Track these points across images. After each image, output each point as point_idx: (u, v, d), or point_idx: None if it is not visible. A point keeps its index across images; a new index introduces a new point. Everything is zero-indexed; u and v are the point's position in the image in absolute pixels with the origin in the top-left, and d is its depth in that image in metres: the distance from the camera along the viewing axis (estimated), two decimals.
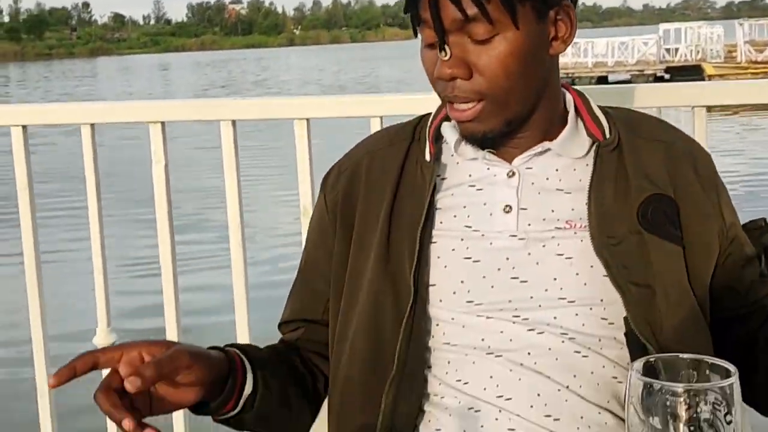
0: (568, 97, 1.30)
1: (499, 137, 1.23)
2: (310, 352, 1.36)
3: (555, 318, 1.19)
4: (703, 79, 24.09)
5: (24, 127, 2.08)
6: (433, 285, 1.23)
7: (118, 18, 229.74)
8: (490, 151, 1.26)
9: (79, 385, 1.09)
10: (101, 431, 2.09)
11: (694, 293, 1.22)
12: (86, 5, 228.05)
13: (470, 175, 1.27)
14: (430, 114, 1.34)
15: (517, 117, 1.22)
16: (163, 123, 2.01)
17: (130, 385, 1.03)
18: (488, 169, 1.26)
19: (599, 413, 1.19)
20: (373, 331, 1.24)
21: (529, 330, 1.19)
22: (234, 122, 1.98)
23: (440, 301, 1.23)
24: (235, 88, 38.80)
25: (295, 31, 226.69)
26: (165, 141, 2.03)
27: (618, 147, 1.26)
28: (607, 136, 1.26)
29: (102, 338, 2.11)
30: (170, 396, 1.13)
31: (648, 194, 1.23)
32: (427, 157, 1.29)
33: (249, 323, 1.99)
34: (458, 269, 1.22)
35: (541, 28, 1.20)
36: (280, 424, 1.32)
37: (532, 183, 1.25)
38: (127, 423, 1.02)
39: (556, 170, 1.25)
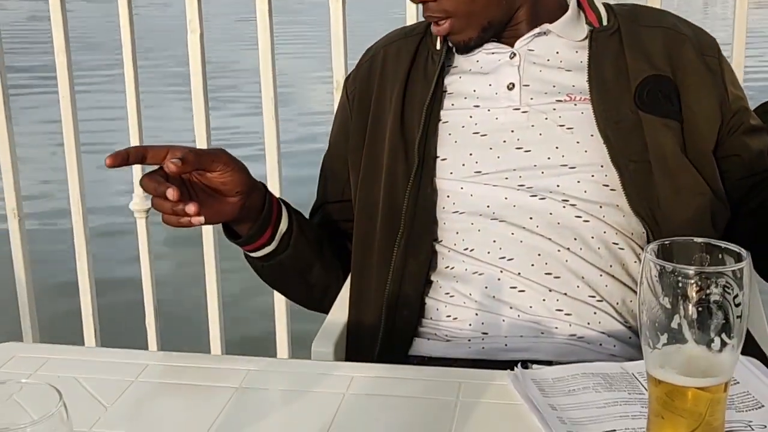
0: None
1: (483, 39, 1.34)
2: (337, 225, 1.46)
3: (558, 186, 1.28)
4: None
5: None
6: (444, 159, 1.33)
7: None
8: (493, 40, 1.36)
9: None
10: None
11: (695, 165, 1.28)
12: None
13: (477, 61, 1.37)
14: None
15: (493, 21, 1.33)
16: None
17: (171, 164, 1.11)
18: (492, 53, 1.36)
19: (600, 275, 1.26)
20: (388, 197, 1.34)
21: (532, 196, 1.28)
22: None
23: (450, 173, 1.32)
24: None
25: None
26: (201, 10, 2.03)
27: (617, 32, 1.34)
28: (604, 23, 1.35)
29: (138, 204, 2.16)
30: (211, 203, 1.20)
31: (645, 75, 1.30)
32: (438, 46, 1.39)
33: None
34: (467, 143, 1.33)
35: None
36: (316, 275, 1.42)
37: (534, 62, 1.34)
38: (171, 192, 1.09)
39: (557, 52, 1.35)
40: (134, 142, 2.10)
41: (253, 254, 1.34)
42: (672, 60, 1.32)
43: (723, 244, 0.75)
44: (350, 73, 1.49)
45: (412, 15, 1.90)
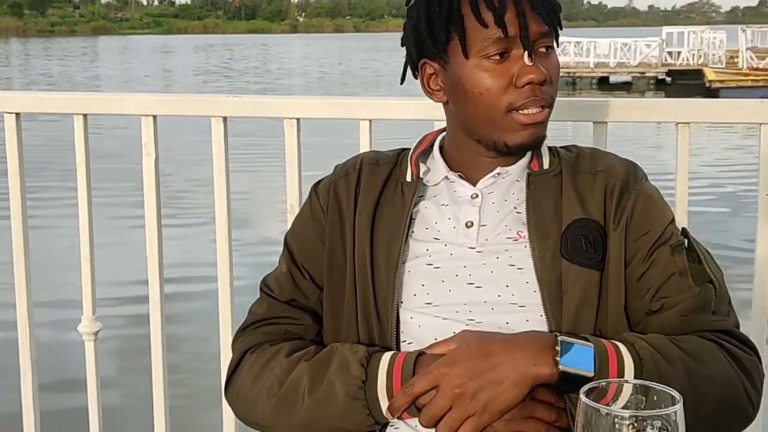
0: None
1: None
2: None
3: (507, 323, 1.30)
4: (704, 84, 24.14)
5: (17, 114, 2.10)
6: (398, 287, 1.35)
7: None
8: (459, 175, 1.41)
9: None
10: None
11: (609, 312, 1.31)
12: None
13: (441, 195, 1.42)
14: (409, 149, 1.49)
15: None
16: (154, 117, 2.04)
17: None
18: (455, 191, 1.41)
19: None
20: (364, 325, 1.36)
21: None
22: (225, 119, 2.01)
23: (401, 302, 1.35)
24: (232, 74, 38.59)
25: (298, 18, 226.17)
26: (156, 134, 2.05)
27: (559, 175, 1.39)
28: (545, 167, 1.41)
29: (87, 326, 2.14)
30: None
31: (575, 218, 1.34)
32: (408, 179, 1.43)
33: (233, 317, 2.03)
34: (420, 274, 1.35)
35: None
36: None
37: (492, 203, 1.39)
38: None
39: (513, 193, 1.40)
40: (86, 266, 2.09)
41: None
42: (605, 205, 1.36)
43: (658, 386, 0.76)
44: (320, 184, 1.49)
45: (365, 143, 1.94)
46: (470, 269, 1.34)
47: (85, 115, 2.07)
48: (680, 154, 1.84)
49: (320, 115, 2.00)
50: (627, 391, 0.79)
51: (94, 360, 2.15)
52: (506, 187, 1.40)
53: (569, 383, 1.18)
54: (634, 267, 1.33)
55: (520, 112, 1.33)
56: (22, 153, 2.11)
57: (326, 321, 1.41)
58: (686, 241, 1.36)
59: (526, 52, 1.31)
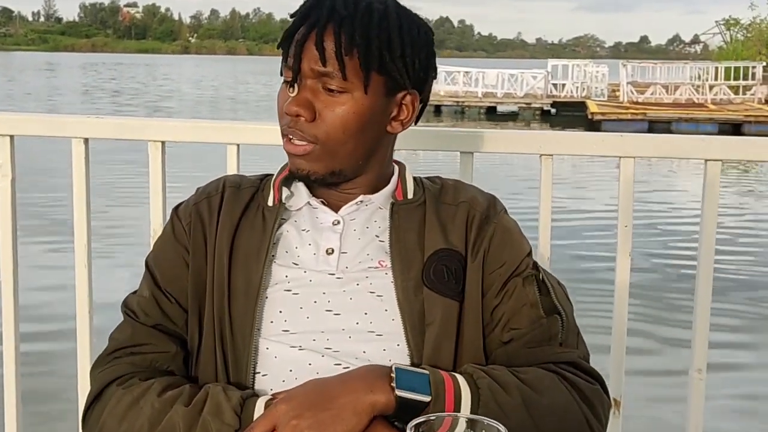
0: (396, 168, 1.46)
1: (323, 184, 1.37)
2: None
3: (364, 352, 1.29)
4: (586, 116, 24.89)
5: None
6: (257, 316, 1.32)
7: (5, 12, 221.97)
8: (322, 201, 1.40)
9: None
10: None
11: (467, 344, 1.31)
12: None
13: (303, 221, 1.40)
14: (272, 174, 1.47)
15: (342, 171, 1.36)
16: (11, 137, 1.96)
17: None
18: (317, 217, 1.39)
19: None
20: (221, 355, 1.33)
21: (336, 364, 1.28)
22: (87, 140, 1.94)
23: (258, 330, 1.31)
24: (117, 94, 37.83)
25: (190, 39, 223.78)
26: (13, 155, 1.97)
27: (422, 205, 1.40)
28: (409, 197, 1.41)
29: None
30: None
31: (438, 248, 1.35)
32: (270, 203, 1.41)
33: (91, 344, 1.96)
34: (278, 301, 1.33)
35: (387, 104, 1.36)
36: None
37: (354, 230, 1.37)
38: None
39: (375, 221, 1.39)
40: None
41: None
42: (467, 235, 1.37)
43: (485, 420, 0.76)
44: (181, 206, 1.45)
45: (232, 166, 1.90)
46: (329, 296, 1.32)
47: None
48: (543, 185, 1.87)
49: (186, 138, 1.96)
50: (461, 426, 0.78)
51: None
52: (369, 214, 1.39)
53: (408, 411, 1.16)
54: (489, 299, 1.34)
55: (289, 139, 1.35)
56: None
57: (191, 347, 1.37)
58: (538, 273, 1.38)
59: (290, 83, 1.33)
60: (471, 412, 1.19)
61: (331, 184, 1.38)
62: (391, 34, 1.32)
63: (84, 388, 1.92)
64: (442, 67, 27.74)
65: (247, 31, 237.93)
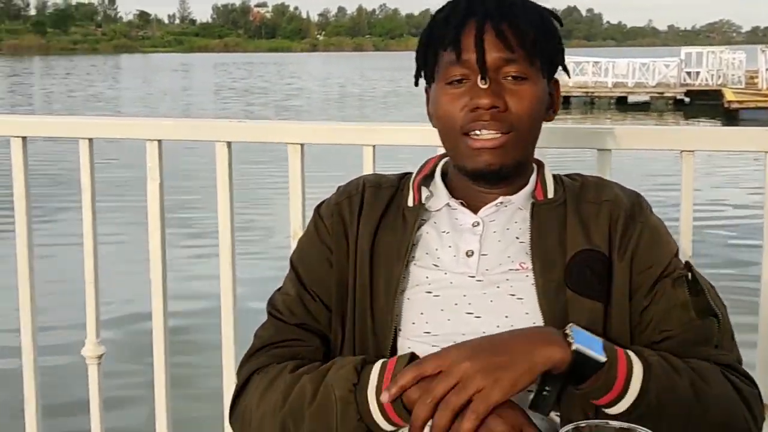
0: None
1: (499, 179, 1.37)
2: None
3: None
4: (722, 105, 23.99)
5: (24, 138, 2.11)
6: (398, 315, 1.34)
7: (143, 16, 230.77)
8: (461, 203, 1.39)
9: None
10: None
11: (615, 343, 1.27)
12: (112, 1, 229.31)
13: (442, 222, 1.40)
14: (411, 173, 1.48)
15: (522, 161, 1.37)
16: (159, 141, 2.04)
17: None
18: (456, 219, 1.39)
19: None
20: (360, 351, 1.36)
21: None
22: (229, 144, 2.01)
23: (400, 329, 1.33)
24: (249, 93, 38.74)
25: (318, 36, 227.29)
26: (161, 159, 2.06)
27: (563, 205, 1.38)
28: (550, 196, 1.39)
29: (90, 350, 2.14)
30: None
31: (580, 248, 1.33)
32: (410, 203, 1.42)
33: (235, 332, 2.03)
34: (419, 302, 1.34)
35: (546, 91, 1.37)
36: None
37: (494, 231, 1.37)
38: None
39: (515, 222, 1.38)
40: (90, 290, 2.10)
41: (389, 426, 1.21)
42: (611, 236, 1.35)
43: (636, 427, 0.75)
44: (322, 206, 1.47)
45: (368, 167, 1.93)
46: (470, 298, 1.33)
47: (90, 139, 2.08)
48: (685, 182, 1.83)
49: (324, 140, 2.00)
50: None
51: (97, 383, 2.15)
52: (509, 216, 1.39)
53: (581, 370, 1.16)
54: (638, 300, 1.33)
55: (471, 135, 1.34)
56: (27, 177, 2.12)
57: (334, 345, 1.40)
58: (689, 273, 1.35)
59: (479, 76, 1.32)
60: (642, 385, 1.18)
61: (500, 179, 1.37)
62: (545, 23, 1.37)
63: (229, 378, 2.00)
64: (571, 57, 27.28)
65: (374, 27, 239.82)
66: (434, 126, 1.42)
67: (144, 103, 31.67)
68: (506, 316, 1.31)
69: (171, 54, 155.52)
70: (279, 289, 1.46)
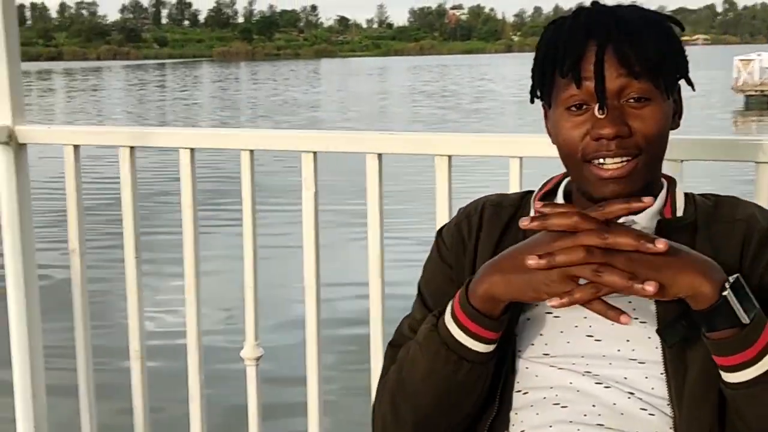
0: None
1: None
2: None
3: (625, 378, 1.27)
4: None
5: (192, 150, 2.23)
6: (516, 335, 1.33)
7: (342, 21, 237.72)
8: None
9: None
10: None
11: None
12: (314, 8, 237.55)
13: None
14: (533, 191, 1.47)
15: (651, 182, 1.32)
16: (314, 153, 2.11)
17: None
18: None
19: None
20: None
21: (597, 383, 1.27)
22: (380, 155, 2.05)
23: (519, 351, 1.33)
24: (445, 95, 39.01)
25: (513, 37, 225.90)
26: (316, 169, 2.13)
27: (693, 225, 1.33)
28: (678, 214, 1.34)
29: (249, 352, 2.24)
30: None
31: None
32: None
33: None
34: (540, 323, 1.33)
35: (671, 103, 1.32)
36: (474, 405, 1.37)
37: None
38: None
39: None
40: (249, 294, 2.20)
41: (483, 346, 1.27)
42: (741, 255, 1.30)
43: None
44: (444, 229, 1.49)
45: (515, 179, 1.92)
46: (590, 321, 1.30)
47: (251, 151, 2.18)
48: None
49: (471, 152, 2.01)
50: None
51: (255, 385, 2.25)
52: None
53: (716, 319, 1.15)
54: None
55: (596, 164, 1.29)
56: (195, 186, 2.24)
57: None
58: None
59: (597, 105, 1.27)
60: None
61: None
62: (669, 38, 1.31)
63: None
64: None
65: None
66: (554, 143, 1.38)
67: (339, 105, 32.58)
68: (627, 340, 1.28)
69: (369, 58, 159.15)
70: (407, 316, 1.48)
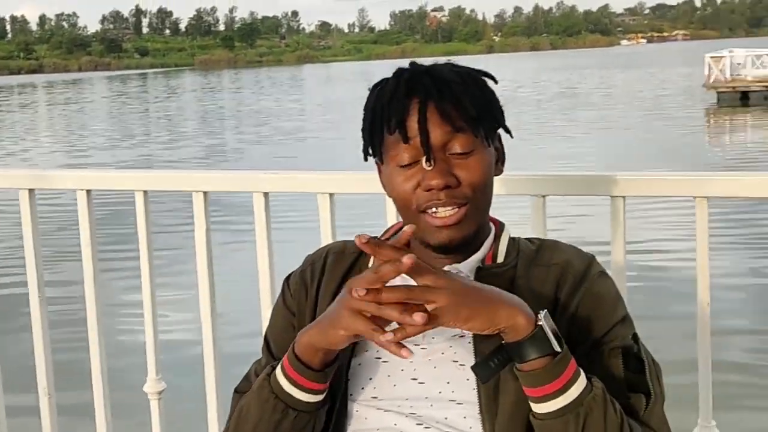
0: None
1: (455, 251, 1.38)
2: None
3: (446, 418, 1.33)
4: None
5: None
6: (348, 380, 1.40)
7: (324, 26, 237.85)
8: None
9: None
10: None
11: None
12: (295, 14, 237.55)
13: None
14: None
15: (480, 227, 1.40)
16: (331, 195, 2.08)
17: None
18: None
19: None
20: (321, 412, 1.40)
21: (418, 424, 1.33)
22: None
23: (351, 395, 1.39)
24: None
25: (494, 38, 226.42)
26: (206, 209, 2.18)
27: (513, 269, 1.40)
28: (498, 260, 1.41)
29: (151, 386, 2.29)
30: None
31: None
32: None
33: None
34: (369, 367, 1.39)
35: (493, 151, 1.41)
36: None
37: None
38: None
39: None
40: (149, 329, 2.25)
41: (308, 396, 1.34)
42: (555, 300, 1.37)
43: None
44: (292, 273, 1.55)
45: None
46: (416, 365, 1.37)
47: (145, 192, 2.23)
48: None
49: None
50: None
51: (158, 419, 2.30)
52: None
53: (531, 348, 1.22)
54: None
55: (429, 213, 1.36)
56: (93, 227, 2.29)
57: None
58: (635, 346, 1.35)
59: (425, 158, 1.34)
60: (580, 394, 1.23)
61: (456, 249, 1.39)
62: (485, 93, 1.40)
63: None
64: (751, 51, 25.91)
65: (551, 25, 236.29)
66: (389, 197, 1.45)
67: (310, 114, 32.34)
68: (448, 382, 1.35)
69: (350, 62, 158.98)
70: (256, 361, 1.54)
